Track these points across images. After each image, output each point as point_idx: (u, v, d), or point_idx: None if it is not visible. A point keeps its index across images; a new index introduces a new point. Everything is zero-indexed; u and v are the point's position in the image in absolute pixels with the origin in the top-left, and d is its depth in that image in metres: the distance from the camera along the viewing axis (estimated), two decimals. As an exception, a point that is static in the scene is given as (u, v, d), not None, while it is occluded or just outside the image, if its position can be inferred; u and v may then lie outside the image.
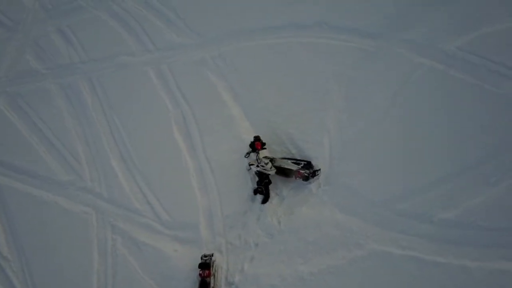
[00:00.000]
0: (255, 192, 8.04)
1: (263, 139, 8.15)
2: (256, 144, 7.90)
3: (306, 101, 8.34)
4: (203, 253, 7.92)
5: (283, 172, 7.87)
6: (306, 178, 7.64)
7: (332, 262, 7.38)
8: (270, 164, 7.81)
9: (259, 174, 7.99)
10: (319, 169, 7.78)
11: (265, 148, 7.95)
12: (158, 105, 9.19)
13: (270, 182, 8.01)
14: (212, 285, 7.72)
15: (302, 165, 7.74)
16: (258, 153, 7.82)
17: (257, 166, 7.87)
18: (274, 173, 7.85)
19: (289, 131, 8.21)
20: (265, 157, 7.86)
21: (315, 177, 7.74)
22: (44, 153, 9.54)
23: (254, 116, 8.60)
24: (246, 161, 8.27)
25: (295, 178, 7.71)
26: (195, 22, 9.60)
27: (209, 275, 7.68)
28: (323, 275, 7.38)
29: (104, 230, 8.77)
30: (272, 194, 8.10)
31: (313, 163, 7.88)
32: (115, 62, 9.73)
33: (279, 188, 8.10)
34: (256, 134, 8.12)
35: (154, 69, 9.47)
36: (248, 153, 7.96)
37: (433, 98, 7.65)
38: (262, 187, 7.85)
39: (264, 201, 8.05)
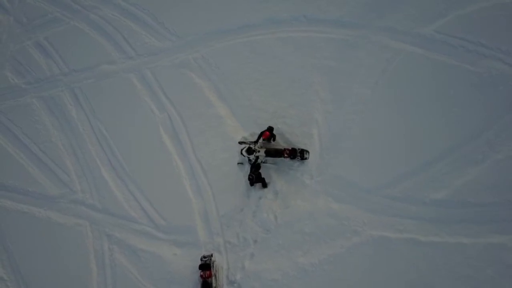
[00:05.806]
0: (250, 181, 7.90)
1: (252, 137, 8.29)
2: (264, 134, 7.95)
3: (291, 96, 8.41)
4: (202, 255, 7.94)
5: (272, 153, 7.96)
6: (293, 153, 7.80)
7: (331, 251, 7.49)
8: (262, 150, 7.91)
9: (251, 164, 7.98)
10: (308, 151, 7.90)
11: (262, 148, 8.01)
12: (144, 111, 9.15)
13: (259, 167, 8.00)
14: (214, 285, 7.74)
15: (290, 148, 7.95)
16: (257, 151, 7.88)
17: (249, 160, 7.93)
18: (264, 153, 7.89)
19: (278, 126, 8.26)
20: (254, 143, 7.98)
21: (304, 157, 7.87)
22: (32, 169, 9.41)
23: (241, 114, 8.63)
24: (237, 159, 8.33)
25: (284, 156, 7.86)
26: (173, 25, 9.57)
27: (210, 276, 7.70)
28: (324, 264, 7.48)
29: (100, 241, 8.71)
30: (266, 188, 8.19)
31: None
32: (97, 72, 9.65)
33: (273, 182, 8.15)
34: (270, 126, 8.09)
35: (137, 75, 9.41)
36: (243, 142, 8.07)
37: (416, 82, 7.80)
38: (253, 175, 7.85)
39: (264, 185, 8.10)
